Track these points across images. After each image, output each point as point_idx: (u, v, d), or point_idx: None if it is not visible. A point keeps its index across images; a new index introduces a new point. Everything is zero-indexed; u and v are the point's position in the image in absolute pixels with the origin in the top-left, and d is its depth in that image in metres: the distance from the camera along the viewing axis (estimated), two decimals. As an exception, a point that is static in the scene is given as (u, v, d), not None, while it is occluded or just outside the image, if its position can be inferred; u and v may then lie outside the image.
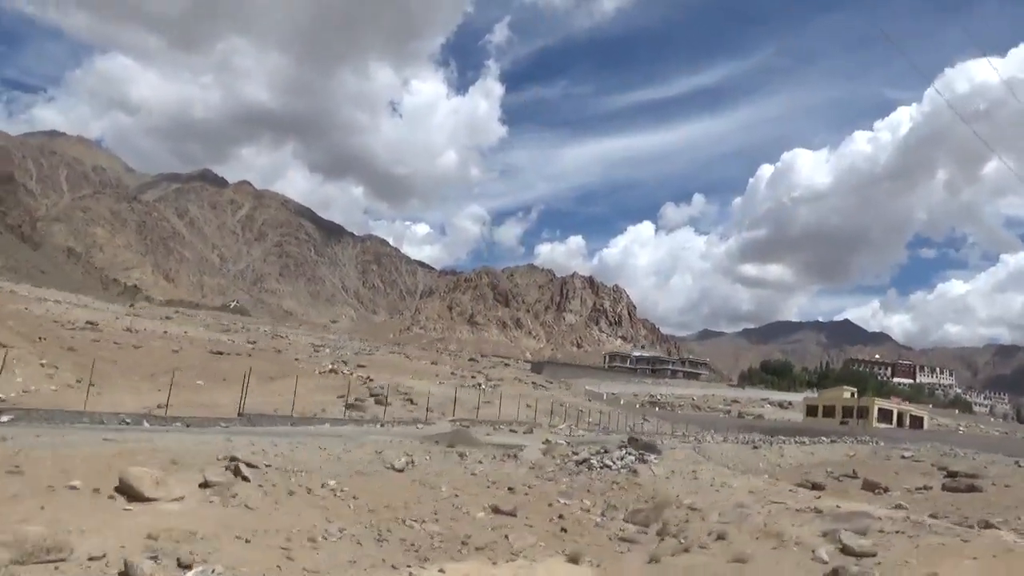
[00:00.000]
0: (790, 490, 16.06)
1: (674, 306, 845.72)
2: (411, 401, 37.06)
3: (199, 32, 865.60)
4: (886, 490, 24.75)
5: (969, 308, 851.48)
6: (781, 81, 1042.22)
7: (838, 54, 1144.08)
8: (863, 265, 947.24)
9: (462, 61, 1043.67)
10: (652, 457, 17.63)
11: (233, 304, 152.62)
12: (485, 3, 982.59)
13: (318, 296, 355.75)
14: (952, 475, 27.04)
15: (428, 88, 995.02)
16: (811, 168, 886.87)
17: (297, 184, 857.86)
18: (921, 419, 60.86)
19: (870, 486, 25.48)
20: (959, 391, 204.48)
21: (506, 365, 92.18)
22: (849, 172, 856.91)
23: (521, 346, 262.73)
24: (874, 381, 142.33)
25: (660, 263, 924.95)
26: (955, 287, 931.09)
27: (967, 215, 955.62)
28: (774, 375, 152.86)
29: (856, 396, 65.51)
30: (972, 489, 24.09)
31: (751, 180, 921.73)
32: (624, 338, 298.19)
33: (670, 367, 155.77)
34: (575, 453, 18.30)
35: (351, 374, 43.29)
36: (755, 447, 31.58)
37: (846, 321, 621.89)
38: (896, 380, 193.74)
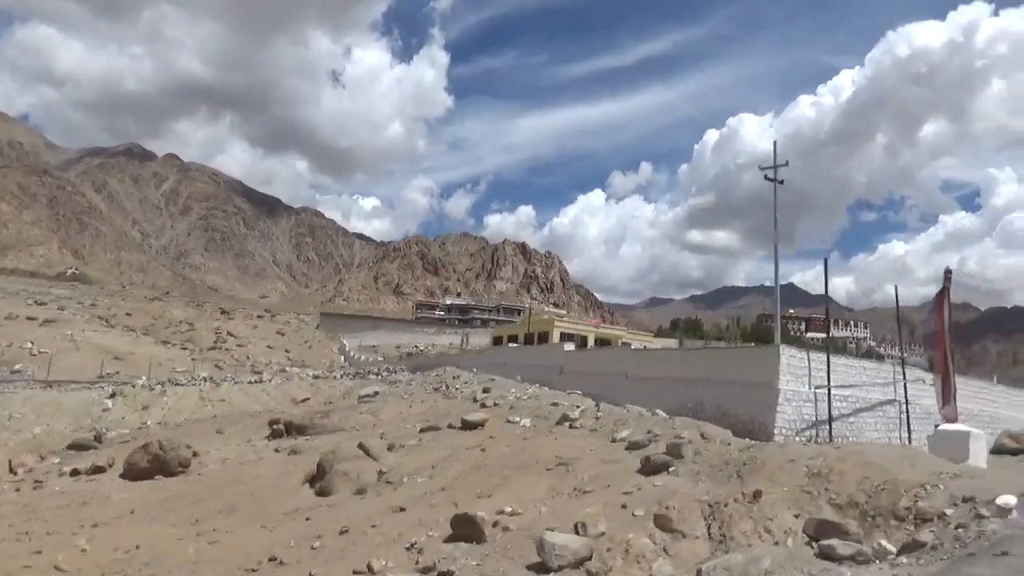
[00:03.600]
0: None
1: (624, 275, 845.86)
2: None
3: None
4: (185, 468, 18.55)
5: (908, 268, 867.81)
6: (729, 48, 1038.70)
7: (783, 21, 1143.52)
8: (807, 230, 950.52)
9: (405, 29, 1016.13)
10: None
11: (69, 271, 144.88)
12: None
13: (247, 270, 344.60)
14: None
15: (371, 57, 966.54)
16: (756, 133, 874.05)
17: (238, 158, 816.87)
18: (630, 344, 54.69)
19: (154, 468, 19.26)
20: (872, 344, 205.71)
21: (273, 316, 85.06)
22: (794, 137, 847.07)
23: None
24: (787, 335, 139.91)
25: (610, 232, 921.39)
26: (895, 248, 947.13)
27: (905, 178, 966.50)
28: (683, 332, 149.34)
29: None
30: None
31: (697, 146, 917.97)
32: (556, 304, 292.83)
33: (480, 316, 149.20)
34: None
35: None
36: (258, 382, 25.66)
37: (791, 285, 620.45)
38: (810, 335, 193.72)
